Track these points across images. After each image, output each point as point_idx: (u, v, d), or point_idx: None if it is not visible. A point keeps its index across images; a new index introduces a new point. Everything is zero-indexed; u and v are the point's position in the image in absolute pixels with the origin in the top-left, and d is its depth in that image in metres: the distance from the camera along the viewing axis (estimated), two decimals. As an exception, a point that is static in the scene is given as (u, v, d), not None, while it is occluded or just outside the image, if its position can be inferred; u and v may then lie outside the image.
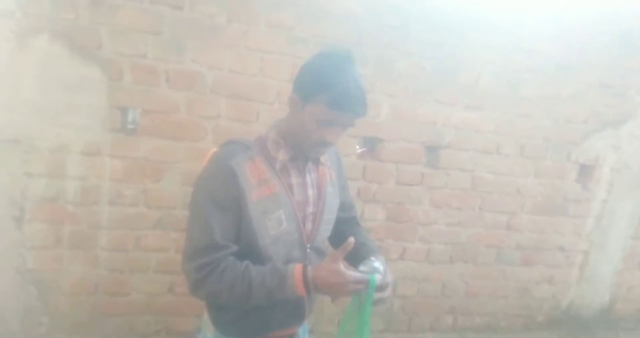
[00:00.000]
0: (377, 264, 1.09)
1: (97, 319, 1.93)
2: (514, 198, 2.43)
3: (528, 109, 2.30)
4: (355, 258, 1.23)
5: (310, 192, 1.18)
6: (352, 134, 2.07)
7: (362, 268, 1.09)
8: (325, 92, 0.99)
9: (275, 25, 1.85)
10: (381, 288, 1.06)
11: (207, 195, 1.03)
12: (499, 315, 2.62)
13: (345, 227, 1.36)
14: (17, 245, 1.78)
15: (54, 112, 1.72)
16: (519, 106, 2.28)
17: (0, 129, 1.69)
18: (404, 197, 2.24)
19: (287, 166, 1.13)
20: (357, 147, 2.14)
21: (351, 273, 1.01)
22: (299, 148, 1.12)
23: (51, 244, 1.82)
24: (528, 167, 2.40)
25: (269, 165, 1.10)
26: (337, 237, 1.31)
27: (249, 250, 1.07)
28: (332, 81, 0.99)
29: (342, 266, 1.01)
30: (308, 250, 1.17)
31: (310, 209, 1.18)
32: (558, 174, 2.47)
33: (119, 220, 1.87)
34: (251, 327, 1.15)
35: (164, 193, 1.89)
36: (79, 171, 1.79)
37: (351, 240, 1.01)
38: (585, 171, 2.52)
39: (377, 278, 1.04)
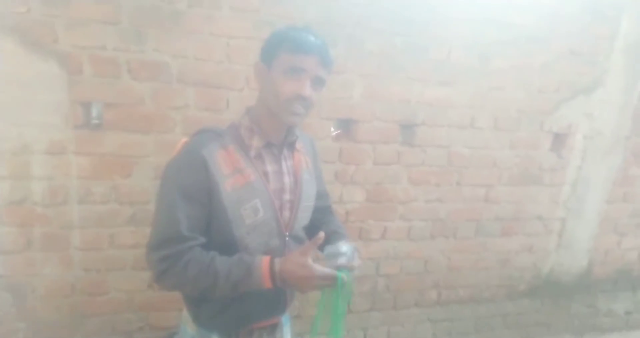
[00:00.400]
0: (345, 247, 1.15)
1: (77, 320, 1.97)
2: (491, 170, 2.55)
3: (500, 81, 2.39)
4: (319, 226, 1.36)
5: (287, 179, 1.22)
6: (326, 116, 2.13)
7: (327, 251, 1.15)
8: (285, 42, 1.07)
9: (239, 9, 1.86)
10: (349, 269, 1.11)
11: (175, 185, 1.06)
12: (481, 286, 2.77)
13: (319, 216, 1.42)
14: (-14, 251, 1.79)
15: (13, 111, 1.71)
16: (492, 79, 2.37)
17: (-44, 132, 1.68)
18: (382, 177, 2.33)
19: (262, 154, 1.17)
20: (332, 129, 2.20)
21: (319, 268, 1.05)
22: (277, 126, 1.16)
23: (21, 247, 1.83)
24: (503, 139, 2.51)
25: (243, 153, 1.13)
26: (311, 226, 1.36)
27: (223, 240, 1.11)
28: (289, 32, 1.09)
29: (310, 260, 1.05)
30: (287, 238, 1.22)
31: (287, 196, 1.22)
32: (532, 145, 2.59)
33: (91, 218, 1.90)
34: (233, 320, 1.20)
35: (135, 188, 1.92)
36: (45, 171, 1.79)
37: (321, 234, 1.06)
38: (559, 140, 2.64)
39: (342, 263, 1.10)
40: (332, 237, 1.30)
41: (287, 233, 1.22)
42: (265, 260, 1.07)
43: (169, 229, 1.05)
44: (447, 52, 2.22)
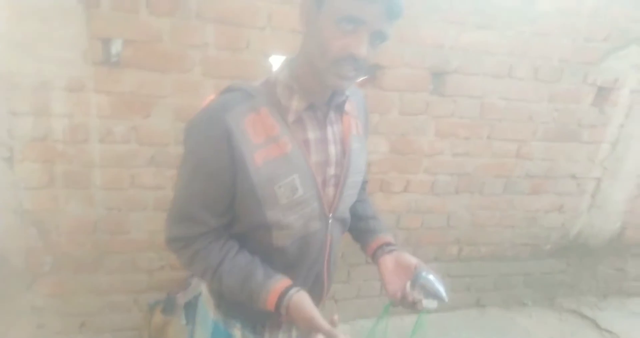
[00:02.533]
0: (436, 282, 1.01)
1: (100, 257, 2.02)
2: (525, 124, 2.41)
3: (544, 27, 2.21)
4: (365, 232, 1.20)
5: (333, 149, 1.00)
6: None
7: (424, 282, 1.00)
8: None
9: (262, -62, 1.74)
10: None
11: (192, 157, 0.91)
12: (505, 244, 2.71)
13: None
14: (12, 185, 1.82)
15: (31, 45, 1.67)
16: (535, 24, 2.19)
17: (-23, 65, 1.66)
18: (407, 128, 2.23)
19: (303, 118, 0.95)
20: (365, 44, 2.08)
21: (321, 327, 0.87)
22: (318, 85, 0.92)
23: (45, 184, 1.85)
24: (542, 91, 2.36)
25: (279, 117, 0.92)
26: None
27: (254, 222, 0.95)
28: None
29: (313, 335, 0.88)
30: (330, 221, 1.03)
31: (332, 171, 1.00)
32: (573, 98, 2.42)
33: (112, 157, 1.89)
34: (259, 311, 0.98)
35: (155, 129, 1.89)
36: (65, 108, 1.77)
37: (335, 318, 0.88)
38: (603, 94, 2.47)
39: (430, 308, 0.99)
40: (370, 223, 1.20)
41: (331, 215, 1.02)
42: (273, 294, 0.93)
43: (183, 206, 0.95)
44: (488, -9, 2.05)
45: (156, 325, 1.98)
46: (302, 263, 1.04)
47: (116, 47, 1.76)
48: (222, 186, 0.90)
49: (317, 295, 1.08)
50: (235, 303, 1.01)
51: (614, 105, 2.50)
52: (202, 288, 1.19)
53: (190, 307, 1.34)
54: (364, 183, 1.29)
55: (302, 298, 0.92)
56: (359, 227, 1.21)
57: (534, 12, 2.15)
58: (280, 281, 0.95)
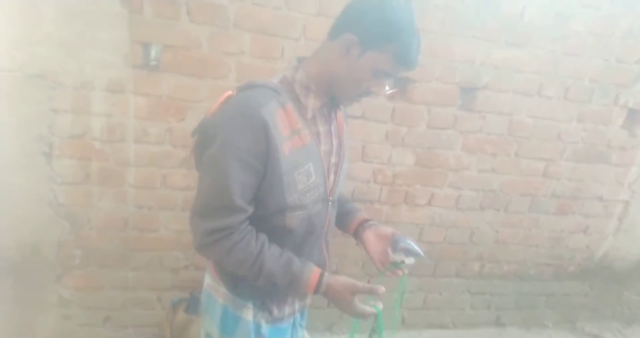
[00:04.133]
0: (412, 242, 1.18)
1: (128, 253, 2.04)
2: (554, 143, 2.34)
3: (576, 47, 2.15)
4: (344, 215, 1.34)
5: (334, 141, 1.13)
6: (382, 73, 2.00)
7: (403, 244, 1.17)
8: (397, 44, 0.94)
9: (301, -48, 1.75)
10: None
11: (231, 149, 0.93)
12: (528, 263, 2.62)
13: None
14: (48, 180, 1.85)
15: (75, 46, 1.71)
16: (567, 44, 2.14)
17: (25, 63, 1.70)
18: (434, 141, 2.19)
19: (316, 113, 1.07)
20: (387, 87, 2.06)
21: (360, 306, 1.06)
22: (331, 94, 1.06)
23: (80, 180, 1.88)
24: (571, 111, 2.29)
25: (299, 112, 1.02)
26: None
27: (274, 205, 1.01)
28: (406, 33, 0.94)
29: (356, 300, 1.06)
30: (329, 204, 1.15)
31: (333, 159, 1.13)
32: (603, 119, 2.35)
33: (145, 157, 1.92)
34: (272, 288, 1.09)
35: (188, 132, 1.85)
36: (104, 107, 1.81)
37: (382, 289, 1.04)
38: (633, 116, 2.38)
39: (409, 263, 1.18)
40: (346, 205, 1.35)
41: (331, 198, 1.14)
42: (314, 274, 1.05)
43: (220, 197, 0.95)
44: (521, 9, 2.01)
45: (178, 323, 1.98)
46: (307, 241, 1.14)
47: (156, 51, 1.79)
48: (257, 174, 0.96)
49: (322, 267, 1.15)
50: (250, 285, 1.09)
51: (645, 128, 2.41)
52: (206, 278, 1.24)
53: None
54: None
55: (336, 276, 1.08)
56: (338, 210, 1.31)
57: (566, 31, 2.11)
58: (315, 266, 1.07)
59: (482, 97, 2.15)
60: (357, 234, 1.30)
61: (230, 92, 1.01)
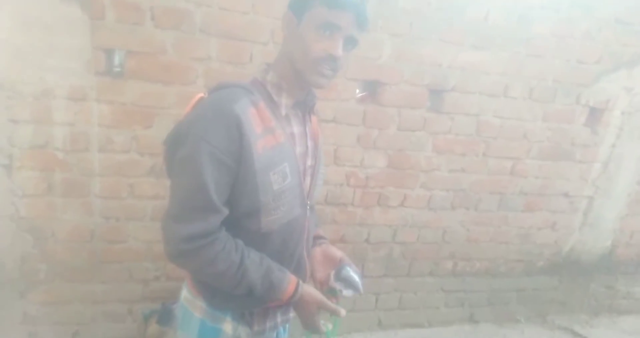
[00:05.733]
0: (358, 279, 1.17)
1: (96, 266, 1.96)
2: (520, 143, 2.39)
3: (539, 49, 2.20)
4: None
5: (310, 143, 1.11)
6: (351, 77, 2.00)
7: (344, 274, 1.15)
8: None
9: (266, -44, 1.72)
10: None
11: (205, 146, 0.90)
12: (499, 260, 2.66)
13: None
14: (8, 192, 1.77)
15: (34, 54, 1.64)
16: (530, 46, 2.18)
17: (-21, 72, 1.62)
18: (405, 143, 2.20)
19: (289, 114, 1.06)
20: (357, 91, 2.06)
21: (318, 322, 1.08)
22: (301, 85, 1.03)
23: (43, 191, 1.80)
24: (536, 110, 2.34)
25: (272, 112, 1.00)
26: None
27: (247, 207, 0.98)
28: None
29: (317, 317, 1.07)
30: (307, 208, 1.11)
31: (309, 161, 1.11)
32: (566, 118, 2.41)
33: (111, 167, 1.85)
34: (250, 300, 1.06)
35: (156, 139, 1.85)
36: (66, 116, 1.73)
37: (343, 313, 1.06)
38: (595, 115, 2.46)
39: (347, 295, 1.16)
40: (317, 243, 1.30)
41: (308, 202, 1.11)
42: (292, 283, 1.04)
43: (197, 196, 0.91)
44: (485, 13, 2.05)
45: (151, 336, 1.91)
46: (286, 247, 1.10)
47: (119, 58, 1.73)
48: (231, 173, 0.93)
49: (302, 276, 1.14)
50: (228, 296, 1.04)
51: (606, 125, 2.48)
52: (183, 292, 1.18)
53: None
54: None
55: (309, 286, 1.08)
56: None
57: (529, 33, 2.15)
58: (291, 274, 1.05)
59: (450, 99, 2.17)
60: None
61: (201, 94, 0.99)
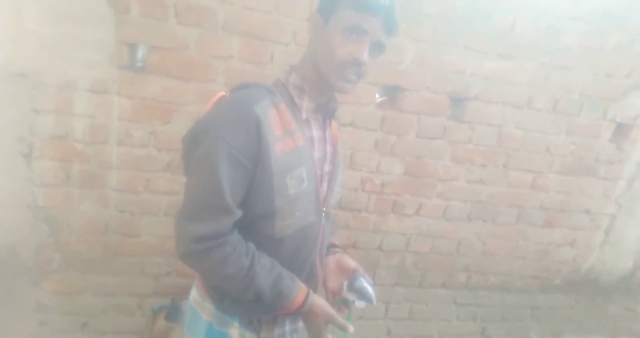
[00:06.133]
0: (371, 290, 1.14)
1: (109, 258, 1.97)
2: (542, 156, 2.31)
3: (567, 60, 2.13)
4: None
5: (328, 148, 1.10)
6: (371, 81, 1.97)
7: (357, 285, 1.14)
8: None
9: (293, -44, 1.71)
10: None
11: (220, 146, 0.88)
12: (514, 275, 2.58)
13: None
14: (27, 181, 1.79)
15: (60, 46, 1.66)
16: (557, 57, 2.12)
17: (7, 62, 1.65)
18: (424, 151, 2.16)
19: (310, 117, 1.04)
20: (377, 96, 2.03)
21: (326, 336, 1.05)
22: (324, 89, 1.02)
23: (61, 182, 1.82)
24: (560, 124, 2.27)
25: (293, 114, 0.99)
26: None
27: (261, 210, 0.97)
28: None
29: (325, 330, 1.05)
30: (323, 214, 1.09)
31: (327, 167, 1.09)
32: (592, 133, 2.33)
33: (129, 160, 1.86)
34: (259, 307, 1.03)
35: (174, 135, 1.85)
36: (87, 108, 1.75)
37: (352, 329, 1.03)
38: (622, 131, 2.36)
39: (359, 306, 1.15)
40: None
41: (324, 209, 1.09)
42: (302, 293, 1.01)
43: (211, 195, 0.90)
44: (512, 21, 1.99)
45: (159, 331, 1.91)
46: (299, 254, 1.08)
47: (142, 52, 1.74)
48: (248, 173, 0.92)
49: (313, 286, 1.12)
50: (237, 301, 1.03)
51: (633, 142, 2.39)
52: (192, 292, 1.17)
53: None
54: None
55: (319, 298, 1.05)
56: None
57: (557, 44, 2.09)
58: (302, 283, 1.03)
59: (471, 108, 2.12)
60: None
61: (222, 93, 0.99)
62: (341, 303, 1.17)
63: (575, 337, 2.82)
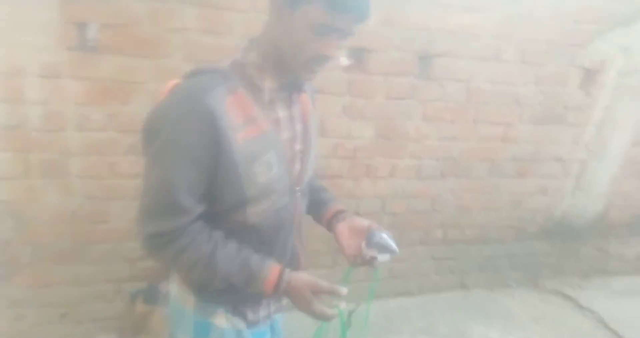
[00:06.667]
0: (394, 245, 1.16)
1: (81, 247, 2.08)
2: (512, 108, 2.51)
3: (532, 8, 2.29)
4: (317, 204, 1.32)
5: (298, 126, 1.10)
6: (336, 44, 2.07)
7: (377, 240, 1.15)
8: None
9: None
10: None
11: (175, 144, 0.90)
12: (490, 227, 2.85)
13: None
14: (-16, 176, 1.85)
15: (2, 31, 1.68)
16: (522, 6, 2.26)
17: (-57, 51, 1.67)
18: (393, 112, 2.31)
19: (273, 97, 1.03)
20: (342, 59, 2.14)
21: (319, 307, 1.02)
22: (287, 71, 1.00)
23: (20, 174, 1.89)
24: (528, 74, 2.45)
25: (254, 97, 0.99)
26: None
27: (232, 202, 0.99)
28: None
29: (316, 300, 1.02)
30: (297, 194, 1.13)
31: (297, 146, 1.10)
32: (560, 81, 2.53)
33: (90, 145, 1.93)
34: (244, 293, 1.07)
35: (134, 116, 1.92)
36: (40, 95, 1.80)
37: (344, 291, 1.01)
38: (589, 76, 2.58)
39: (384, 261, 1.15)
40: (321, 194, 1.33)
41: (297, 188, 1.12)
42: (274, 271, 1.02)
43: (163, 197, 0.92)
44: (476, -27, 2.11)
45: (139, 315, 2.06)
46: (276, 238, 1.12)
47: (93, 31, 1.78)
48: (205, 169, 0.93)
49: (295, 267, 1.15)
50: (217, 290, 1.06)
51: (601, 87, 2.61)
52: (172, 289, 1.21)
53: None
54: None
55: (297, 272, 1.05)
56: (311, 199, 1.30)
57: (522, -8, 2.23)
58: (274, 262, 1.04)
59: (439, 64, 2.27)
60: (330, 226, 1.29)
61: (175, 81, 0.99)
62: (364, 264, 1.19)
63: (551, 280, 3.15)
